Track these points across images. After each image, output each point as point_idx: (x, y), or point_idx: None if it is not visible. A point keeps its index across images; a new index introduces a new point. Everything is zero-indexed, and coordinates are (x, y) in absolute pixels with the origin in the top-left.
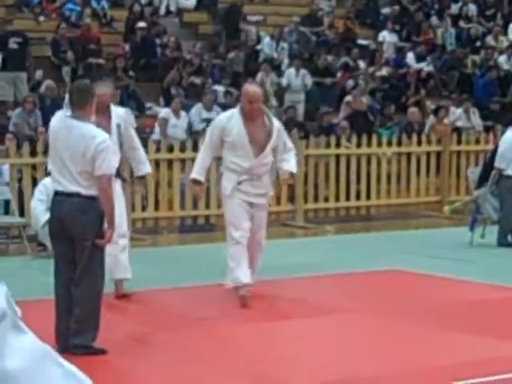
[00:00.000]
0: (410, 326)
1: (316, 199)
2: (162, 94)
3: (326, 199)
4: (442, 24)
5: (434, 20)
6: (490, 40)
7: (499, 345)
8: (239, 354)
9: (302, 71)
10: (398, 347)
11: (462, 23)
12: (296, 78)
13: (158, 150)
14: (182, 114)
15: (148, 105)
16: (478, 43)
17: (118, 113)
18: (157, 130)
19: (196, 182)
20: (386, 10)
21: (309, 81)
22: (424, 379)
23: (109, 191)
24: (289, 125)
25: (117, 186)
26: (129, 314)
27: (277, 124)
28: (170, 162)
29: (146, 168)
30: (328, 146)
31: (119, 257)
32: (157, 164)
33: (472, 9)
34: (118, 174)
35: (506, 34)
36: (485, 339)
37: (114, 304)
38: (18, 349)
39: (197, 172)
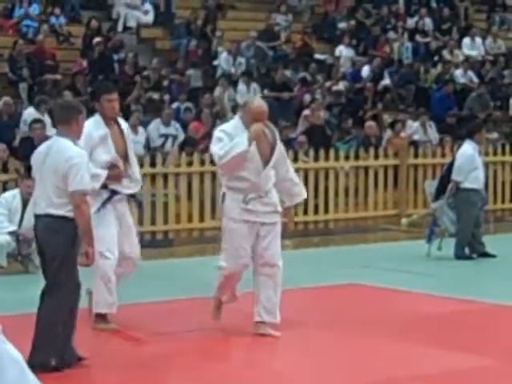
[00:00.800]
0: (368, 340)
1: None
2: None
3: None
4: (398, 38)
5: (391, 34)
6: (445, 54)
7: (457, 357)
8: (187, 367)
9: (253, 86)
10: (355, 360)
11: (418, 37)
12: (247, 93)
13: None
14: (140, 129)
15: None
16: (436, 57)
17: (121, 121)
18: None
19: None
20: (342, 25)
21: (258, 95)
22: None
23: (83, 208)
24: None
25: (121, 207)
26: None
27: (277, 135)
28: None
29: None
30: None
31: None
32: None
33: (428, 23)
34: (133, 196)
35: (461, 47)
36: (442, 352)
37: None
38: (11, 359)
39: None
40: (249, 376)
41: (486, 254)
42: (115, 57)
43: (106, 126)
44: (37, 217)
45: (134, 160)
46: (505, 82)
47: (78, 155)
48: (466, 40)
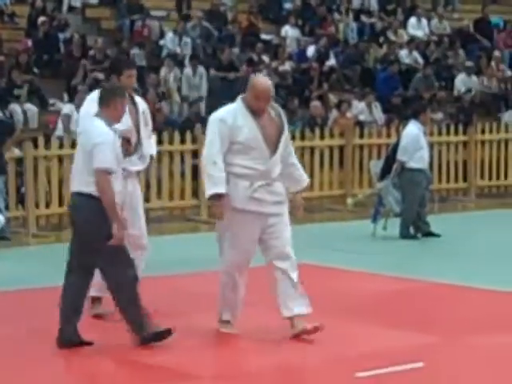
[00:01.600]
0: (314, 318)
1: None
2: (65, 89)
3: None
4: (343, 19)
5: (336, 15)
6: (390, 34)
7: (402, 335)
8: (140, 348)
9: (200, 69)
10: (301, 339)
11: (363, 18)
12: (194, 76)
13: (61, 146)
14: None
15: (51, 101)
16: (381, 38)
17: (138, 99)
18: (60, 126)
19: (218, 196)
20: (288, 5)
21: (204, 79)
22: (328, 370)
23: (104, 186)
24: (192, 120)
25: (130, 185)
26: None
27: (284, 118)
28: (73, 158)
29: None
30: None
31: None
32: (60, 160)
33: (373, 3)
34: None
35: (406, 28)
36: (388, 330)
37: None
38: None
39: (217, 184)
40: (188, 350)
41: (430, 234)
42: (60, 36)
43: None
44: (71, 194)
45: (145, 138)
46: (449, 63)
47: (102, 134)
48: (412, 20)
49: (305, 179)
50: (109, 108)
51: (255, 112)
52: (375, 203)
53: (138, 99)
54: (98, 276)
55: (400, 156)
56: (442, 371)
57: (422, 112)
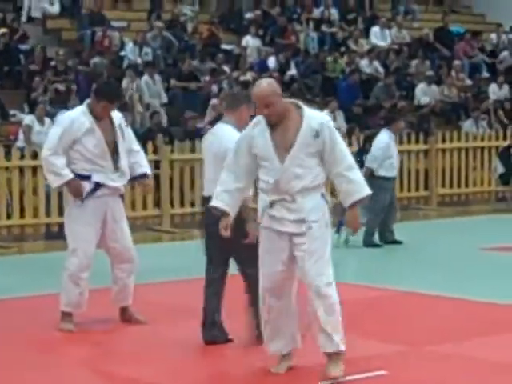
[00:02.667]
0: None
1: (182, 204)
2: (26, 101)
3: (192, 204)
4: (304, 29)
5: (297, 25)
6: (351, 44)
7: (366, 344)
8: (105, 359)
9: (157, 77)
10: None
11: (324, 27)
12: (154, 84)
13: (22, 157)
14: (47, 120)
15: (12, 112)
16: (343, 48)
17: (115, 113)
18: (21, 136)
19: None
20: (249, 15)
21: (160, 87)
22: (292, 379)
23: None
24: (154, 130)
25: (119, 205)
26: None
27: (313, 123)
28: (34, 169)
29: (146, 168)
30: (193, 150)
31: (126, 283)
32: (21, 171)
33: (334, 13)
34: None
35: (367, 37)
36: (352, 338)
37: None
38: None
39: (218, 198)
40: (152, 360)
41: (394, 242)
42: (21, 47)
43: (94, 118)
44: (205, 199)
45: (123, 153)
46: (410, 72)
47: (233, 139)
48: (375, 29)
49: (357, 192)
50: (234, 113)
51: (269, 122)
52: (339, 213)
53: (113, 113)
54: (70, 291)
55: (369, 163)
56: (405, 380)
57: (394, 121)
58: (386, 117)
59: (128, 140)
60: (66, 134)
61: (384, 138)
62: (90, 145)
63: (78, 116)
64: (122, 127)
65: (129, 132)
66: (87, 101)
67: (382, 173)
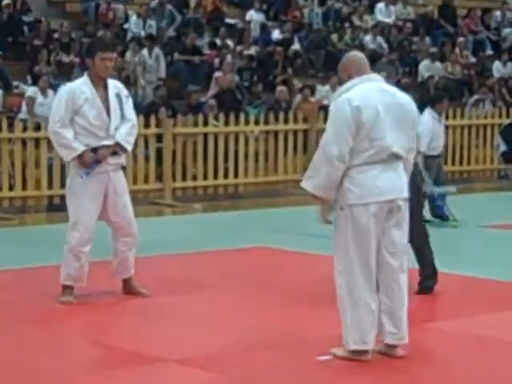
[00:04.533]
0: (276, 302)
1: (184, 177)
2: (29, 72)
3: (194, 177)
4: (308, 3)
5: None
6: (355, 19)
7: None
8: (105, 330)
9: (156, 51)
10: (264, 323)
11: (328, 2)
12: (149, 58)
13: (24, 128)
14: (50, 92)
15: (15, 83)
16: (347, 24)
17: (113, 82)
18: (24, 108)
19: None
20: None
21: (161, 61)
22: (289, 353)
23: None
24: (157, 103)
25: (120, 178)
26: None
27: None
28: (37, 141)
29: (122, 137)
30: (196, 124)
31: (127, 256)
32: (24, 143)
33: None
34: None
35: (371, 13)
36: None
37: None
38: None
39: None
40: (149, 335)
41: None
42: (25, 19)
43: (94, 87)
44: None
45: (115, 120)
46: (413, 48)
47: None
48: (380, 5)
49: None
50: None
51: None
52: None
53: (112, 83)
54: (70, 264)
55: (421, 148)
56: (409, 355)
57: (439, 100)
58: (430, 96)
59: (125, 109)
60: (69, 104)
61: (428, 119)
62: (91, 116)
63: (78, 85)
64: (120, 96)
65: (128, 102)
66: (87, 72)
67: (427, 152)
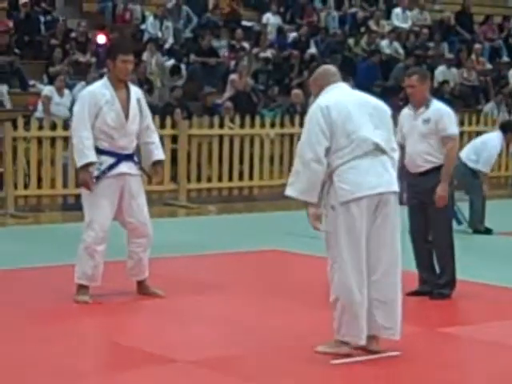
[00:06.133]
0: (289, 305)
1: (199, 179)
2: (45, 71)
3: (209, 179)
4: (325, 7)
5: (318, 3)
6: (372, 24)
7: None
8: (119, 330)
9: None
10: (276, 325)
11: (345, 7)
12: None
13: (40, 127)
14: (66, 92)
15: (31, 82)
16: (363, 28)
17: (134, 88)
18: (40, 107)
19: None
20: None
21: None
22: (304, 357)
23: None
24: (173, 105)
25: (137, 181)
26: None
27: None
28: (52, 140)
29: (161, 153)
30: (211, 126)
31: (141, 258)
32: (39, 142)
33: None
34: (140, 167)
35: (388, 18)
36: None
37: None
38: None
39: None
40: (165, 336)
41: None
42: (42, 18)
43: (114, 89)
44: None
45: (133, 125)
46: (429, 54)
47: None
48: (397, 11)
49: None
50: None
51: None
52: None
53: (133, 87)
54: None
55: (485, 168)
56: (419, 361)
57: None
58: (506, 123)
59: (145, 116)
60: (91, 108)
61: (498, 145)
62: (109, 118)
63: (98, 88)
64: (140, 102)
65: (146, 108)
66: (107, 74)
67: (483, 168)
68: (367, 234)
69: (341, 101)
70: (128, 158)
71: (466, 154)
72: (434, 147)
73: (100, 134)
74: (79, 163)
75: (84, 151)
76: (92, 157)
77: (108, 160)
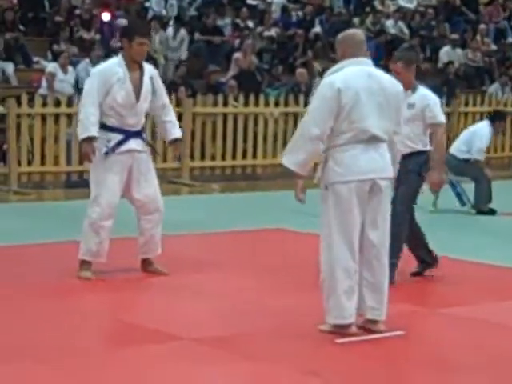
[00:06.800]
0: (292, 285)
1: (202, 157)
2: (49, 48)
3: (213, 157)
4: None
5: None
6: (377, 4)
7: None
8: (122, 307)
9: (182, 33)
10: (279, 304)
11: None
12: (174, 39)
13: (44, 104)
14: (70, 69)
15: (35, 59)
16: (368, 8)
17: (149, 67)
18: (44, 84)
19: None
20: None
21: (185, 43)
22: (309, 337)
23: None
24: (177, 83)
25: (146, 157)
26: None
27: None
28: (56, 117)
29: (179, 131)
30: (215, 104)
31: (153, 234)
32: (43, 118)
33: None
34: (148, 143)
35: None
36: None
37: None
38: None
39: None
40: (166, 314)
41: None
42: None
43: (128, 69)
44: None
45: (144, 103)
46: (434, 35)
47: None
48: None
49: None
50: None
51: None
52: None
53: (147, 66)
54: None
55: (477, 156)
56: (421, 340)
57: (499, 120)
58: (493, 113)
59: (160, 95)
60: (100, 87)
61: (488, 133)
62: (119, 96)
63: (110, 66)
64: (153, 80)
65: (160, 86)
66: (121, 52)
67: (478, 156)
68: (362, 218)
69: (353, 85)
70: (137, 134)
71: (455, 147)
72: (414, 133)
73: (109, 111)
74: (81, 136)
75: (87, 126)
76: (94, 132)
77: (117, 137)
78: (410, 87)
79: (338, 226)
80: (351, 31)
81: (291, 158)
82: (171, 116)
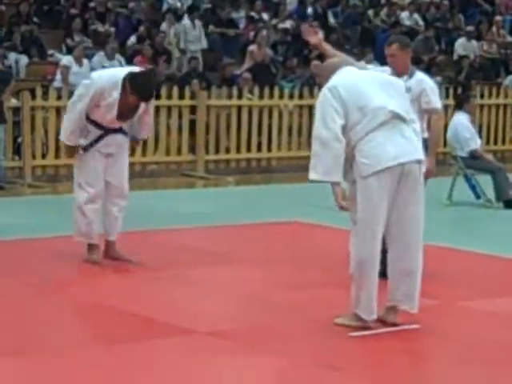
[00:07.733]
0: (307, 278)
1: (217, 150)
2: (64, 41)
3: (227, 150)
4: None
5: None
6: None
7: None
8: (134, 300)
9: (198, 23)
10: (294, 297)
11: None
12: (194, 29)
13: (59, 97)
14: (85, 61)
15: (50, 52)
16: (383, 0)
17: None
18: (58, 77)
19: None
20: None
21: (202, 32)
22: (322, 330)
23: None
24: (191, 76)
25: (123, 144)
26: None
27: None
28: None
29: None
30: (230, 97)
31: (117, 217)
32: (58, 111)
33: None
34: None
35: None
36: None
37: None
38: None
39: None
40: (179, 307)
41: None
42: None
43: (123, 92)
44: None
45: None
46: (449, 26)
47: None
48: None
49: None
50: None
51: None
52: None
53: None
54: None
55: (470, 147)
56: (438, 333)
57: (466, 101)
58: (457, 99)
59: (149, 114)
60: (96, 96)
61: (465, 120)
62: (105, 114)
63: (110, 87)
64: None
65: (150, 112)
66: (127, 72)
67: (473, 146)
68: (390, 206)
69: (349, 78)
70: (116, 131)
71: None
72: None
73: (94, 111)
74: (62, 139)
75: (69, 135)
76: (74, 142)
77: (96, 132)
78: (406, 72)
79: (365, 221)
80: (327, 61)
81: (316, 170)
82: (146, 126)
